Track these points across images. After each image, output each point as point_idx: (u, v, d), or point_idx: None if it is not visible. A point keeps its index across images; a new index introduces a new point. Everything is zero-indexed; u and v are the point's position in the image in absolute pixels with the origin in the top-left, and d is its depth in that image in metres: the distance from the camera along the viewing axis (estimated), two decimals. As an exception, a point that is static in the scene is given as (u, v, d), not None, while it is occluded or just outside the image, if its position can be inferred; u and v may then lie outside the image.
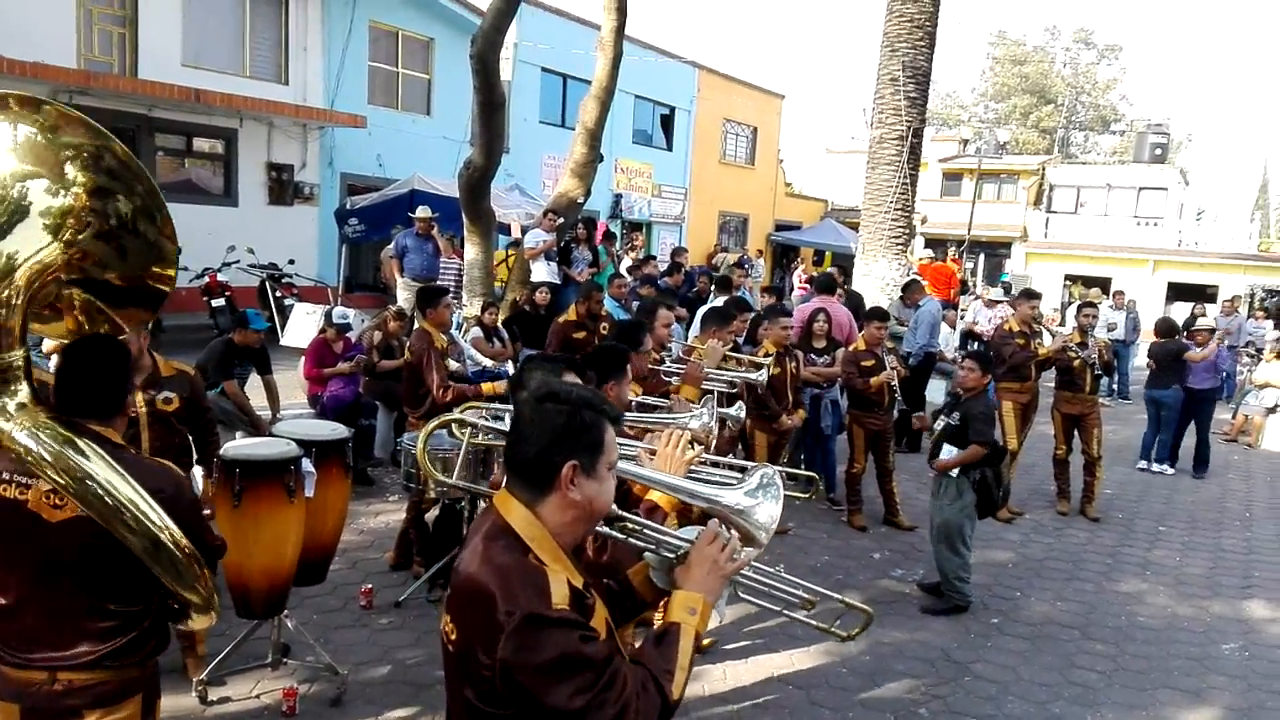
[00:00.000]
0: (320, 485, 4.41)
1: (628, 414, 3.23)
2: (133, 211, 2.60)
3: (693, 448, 2.57)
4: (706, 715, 4.46)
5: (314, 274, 15.28)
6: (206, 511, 3.42)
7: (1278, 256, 32.09)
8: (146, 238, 2.66)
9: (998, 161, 32.47)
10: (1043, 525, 7.97)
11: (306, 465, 4.34)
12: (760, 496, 2.10)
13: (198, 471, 4.38)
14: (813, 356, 7.73)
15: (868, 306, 8.94)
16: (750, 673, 4.92)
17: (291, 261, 14.17)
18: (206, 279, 12.40)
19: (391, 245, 12.09)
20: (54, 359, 3.49)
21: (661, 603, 2.09)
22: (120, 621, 2.55)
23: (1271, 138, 76.18)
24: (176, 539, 2.49)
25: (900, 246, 11.83)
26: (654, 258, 15.01)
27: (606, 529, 2.08)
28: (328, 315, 8.33)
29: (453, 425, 2.58)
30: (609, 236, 14.52)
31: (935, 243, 27.04)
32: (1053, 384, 8.71)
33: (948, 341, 11.08)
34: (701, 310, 8.14)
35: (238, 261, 13.12)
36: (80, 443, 2.43)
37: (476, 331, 8.61)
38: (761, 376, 5.57)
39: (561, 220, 11.55)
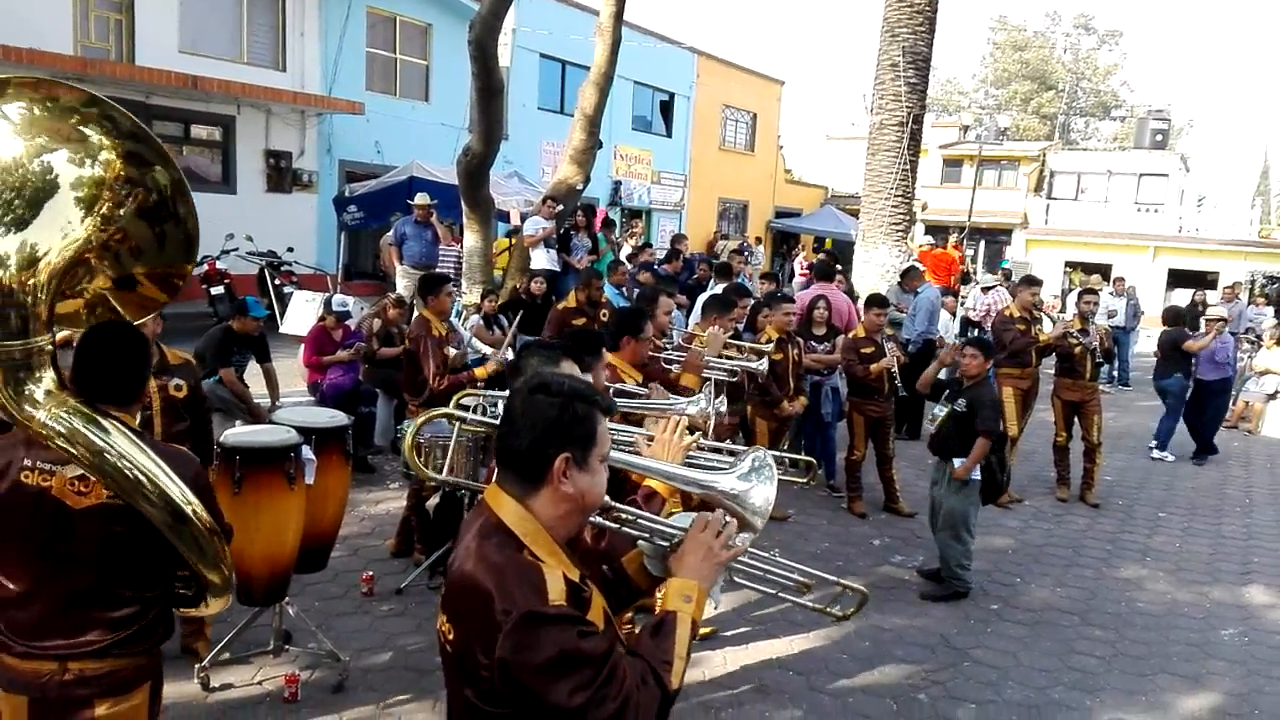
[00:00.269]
0: (320, 472, 4.40)
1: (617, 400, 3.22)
2: (170, 185, 2.53)
3: (690, 434, 2.56)
4: (707, 700, 4.47)
5: (313, 261, 15.27)
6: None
7: (1278, 243, 32.04)
8: (186, 224, 2.60)
9: (998, 148, 32.38)
10: (1043, 512, 7.98)
11: (306, 452, 4.33)
12: (754, 480, 2.09)
13: None
14: (813, 344, 7.73)
15: (868, 294, 8.93)
16: (750, 658, 4.93)
17: (290, 249, 14.15)
18: (205, 267, 12.38)
19: (390, 233, 12.07)
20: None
21: (659, 590, 2.08)
22: (133, 610, 2.55)
23: (1272, 124, 76.03)
24: (199, 513, 2.49)
25: (900, 233, 11.82)
26: (651, 245, 14.98)
27: (600, 519, 2.06)
28: (327, 303, 8.34)
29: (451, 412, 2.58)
30: (608, 224, 14.49)
31: (935, 229, 26.99)
32: (1053, 370, 8.71)
33: (947, 328, 11.07)
34: (702, 298, 8.12)
35: (236, 249, 13.11)
36: (104, 421, 2.42)
37: (476, 319, 8.61)
38: (762, 365, 5.55)
39: (560, 207, 11.52)
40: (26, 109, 2.37)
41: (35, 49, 11.56)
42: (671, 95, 25.58)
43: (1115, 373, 15.06)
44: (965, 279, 16.72)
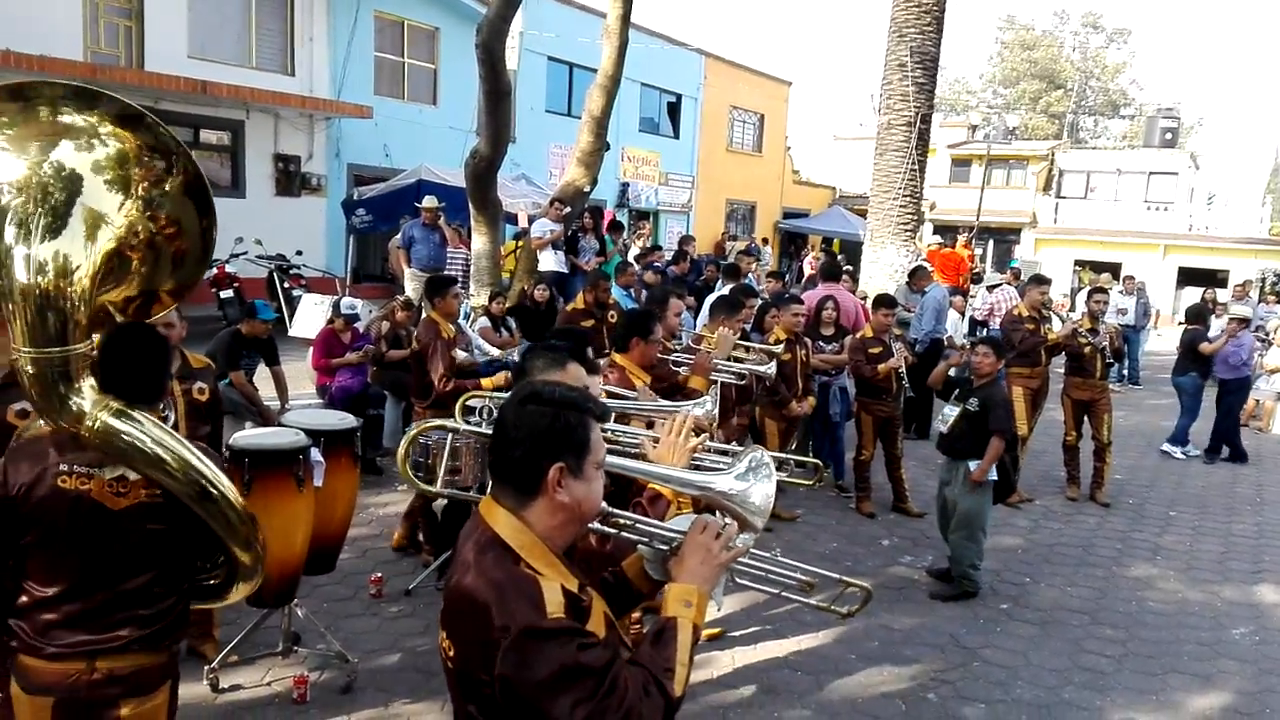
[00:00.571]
0: (329, 475, 4.42)
1: (619, 403, 3.21)
2: (194, 174, 2.54)
3: (696, 435, 2.56)
4: (715, 700, 4.47)
5: (322, 265, 15.32)
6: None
7: (1290, 240, 31.85)
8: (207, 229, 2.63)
9: (1007, 147, 32.32)
10: (1053, 511, 7.95)
11: (315, 455, 4.34)
12: (751, 479, 2.07)
13: None
14: (821, 344, 7.72)
15: (876, 293, 8.92)
16: (759, 658, 4.93)
17: (299, 252, 14.19)
18: (214, 270, 12.42)
19: (399, 235, 12.09)
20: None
21: (660, 594, 2.07)
22: (164, 605, 2.59)
23: (1283, 121, 75.49)
24: (226, 492, 2.56)
25: (909, 233, 11.80)
26: (660, 248, 14.97)
27: (599, 525, 2.04)
28: (335, 306, 8.35)
29: (456, 416, 2.58)
30: (616, 225, 14.50)
31: (944, 229, 26.92)
32: (1063, 369, 8.68)
33: (956, 328, 11.05)
34: (709, 299, 8.12)
35: (245, 253, 13.15)
36: (145, 422, 2.49)
37: (484, 321, 8.62)
38: (770, 369, 5.54)
39: (568, 209, 11.53)
40: (6, 124, 2.35)
41: (46, 55, 11.64)
42: (679, 97, 25.58)
43: (1125, 371, 14.99)
44: (977, 279, 16.69)
